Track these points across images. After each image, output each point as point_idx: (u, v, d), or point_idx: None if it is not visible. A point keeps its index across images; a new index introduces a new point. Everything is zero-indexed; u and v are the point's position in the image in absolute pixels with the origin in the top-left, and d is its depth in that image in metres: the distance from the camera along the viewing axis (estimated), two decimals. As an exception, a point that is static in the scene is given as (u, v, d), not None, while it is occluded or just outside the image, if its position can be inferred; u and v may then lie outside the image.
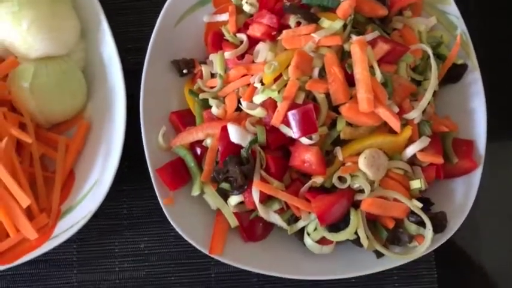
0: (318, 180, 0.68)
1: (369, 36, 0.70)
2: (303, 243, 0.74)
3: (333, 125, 0.70)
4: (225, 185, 0.71)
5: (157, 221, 0.82)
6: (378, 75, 0.68)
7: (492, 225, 0.84)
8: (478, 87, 0.76)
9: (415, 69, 0.76)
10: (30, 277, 0.81)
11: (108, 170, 0.75)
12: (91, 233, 0.82)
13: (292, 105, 0.68)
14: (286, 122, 0.68)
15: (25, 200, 0.71)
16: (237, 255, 0.73)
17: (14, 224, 0.72)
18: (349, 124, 0.69)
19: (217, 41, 0.79)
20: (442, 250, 0.80)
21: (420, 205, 0.69)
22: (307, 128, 0.66)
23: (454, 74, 0.77)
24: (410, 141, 0.71)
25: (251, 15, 0.78)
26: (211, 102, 0.76)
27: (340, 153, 0.68)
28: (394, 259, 0.72)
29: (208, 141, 0.75)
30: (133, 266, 0.82)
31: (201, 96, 0.77)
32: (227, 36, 0.78)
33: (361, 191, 0.70)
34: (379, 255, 0.72)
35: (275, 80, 0.69)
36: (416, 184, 0.70)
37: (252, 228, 0.75)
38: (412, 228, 0.71)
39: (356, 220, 0.69)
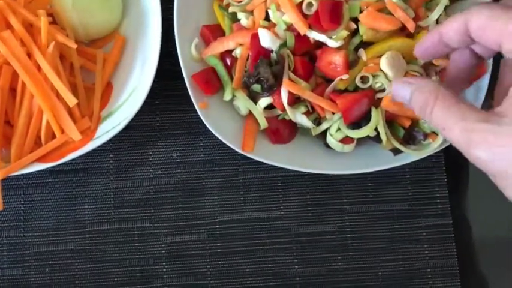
0: (344, 76, 0.74)
1: None
2: (325, 145, 0.81)
3: (355, 33, 0.76)
4: (256, 87, 0.77)
5: (188, 133, 0.89)
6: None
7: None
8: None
9: (429, -17, 0.82)
10: (70, 184, 0.87)
11: (145, 77, 0.80)
12: (126, 143, 0.88)
13: (319, 10, 0.74)
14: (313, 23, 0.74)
15: (72, 99, 0.76)
16: (265, 154, 0.80)
17: (60, 125, 0.78)
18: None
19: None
20: (451, 155, 0.88)
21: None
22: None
23: (464, -10, 0.83)
24: (426, 47, 0.77)
25: None
26: (240, 15, 0.82)
27: (363, 54, 0.75)
28: (409, 155, 0.79)
29: (237, 51, 0.81)
30: (166, 173, 0.88)
31: (231, 10, 0.82)
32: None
33: (382, 90, 0.77)
34: (396, 152, 0.79)
35: (302, -12, 0.76)
36: (431, 85, 0.77)
37: (278, 131, 0.81)
38: (426, 126, 0.78)
39: (376, 116, 0.76)
